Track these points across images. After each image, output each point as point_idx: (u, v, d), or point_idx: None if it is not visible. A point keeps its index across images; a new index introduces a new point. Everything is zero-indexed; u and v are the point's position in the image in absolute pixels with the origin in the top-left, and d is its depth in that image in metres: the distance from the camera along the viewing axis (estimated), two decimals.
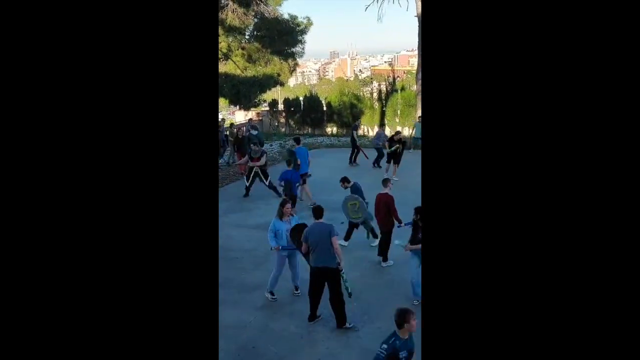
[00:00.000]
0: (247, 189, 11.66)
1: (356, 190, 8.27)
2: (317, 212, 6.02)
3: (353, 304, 6.14)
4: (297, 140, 12.09)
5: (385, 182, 7.79)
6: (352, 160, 15.06)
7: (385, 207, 7.46)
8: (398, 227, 7.49)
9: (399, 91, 22.13)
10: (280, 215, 6.66)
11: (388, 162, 13.08)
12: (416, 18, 20.23)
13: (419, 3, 20.14)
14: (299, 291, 6.73)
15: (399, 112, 20.73)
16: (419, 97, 20.16)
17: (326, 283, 5.84)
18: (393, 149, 12.93)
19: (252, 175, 11.56)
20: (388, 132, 17.44)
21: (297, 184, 10.28)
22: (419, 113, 18.81)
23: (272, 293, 6.67)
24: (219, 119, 21.50)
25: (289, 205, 6.74)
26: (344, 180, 8.70)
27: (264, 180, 11.46)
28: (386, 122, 21.67)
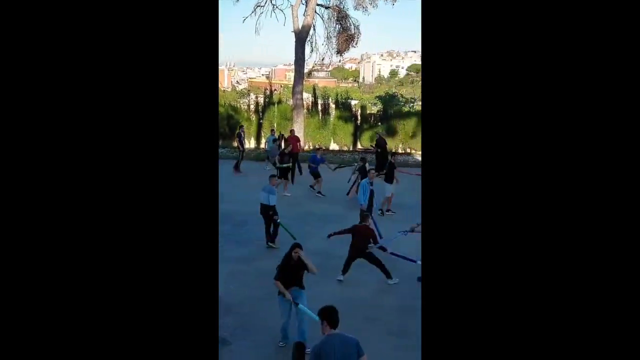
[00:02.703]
0: None
1: None
2: (332, 317, 3.87)
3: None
4: None
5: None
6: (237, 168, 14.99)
7: None
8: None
9: (276, 104, 22.33)
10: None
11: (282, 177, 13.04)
12: (293, 33, 20.62)
13: (296, 19, 20.59)
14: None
15: (275, 125, 20.89)
16: (295, 112, 20.51)
17: None
18: (285, 165, 13.04)
19: None
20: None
21: None
22: (295, 127, 19.13)
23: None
24: None
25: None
26: None
27: None
28: (262, 134, 21.73)
